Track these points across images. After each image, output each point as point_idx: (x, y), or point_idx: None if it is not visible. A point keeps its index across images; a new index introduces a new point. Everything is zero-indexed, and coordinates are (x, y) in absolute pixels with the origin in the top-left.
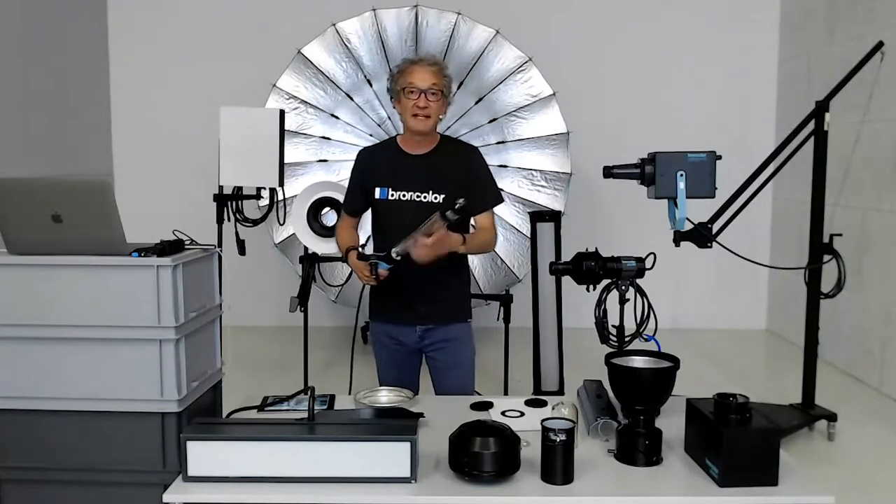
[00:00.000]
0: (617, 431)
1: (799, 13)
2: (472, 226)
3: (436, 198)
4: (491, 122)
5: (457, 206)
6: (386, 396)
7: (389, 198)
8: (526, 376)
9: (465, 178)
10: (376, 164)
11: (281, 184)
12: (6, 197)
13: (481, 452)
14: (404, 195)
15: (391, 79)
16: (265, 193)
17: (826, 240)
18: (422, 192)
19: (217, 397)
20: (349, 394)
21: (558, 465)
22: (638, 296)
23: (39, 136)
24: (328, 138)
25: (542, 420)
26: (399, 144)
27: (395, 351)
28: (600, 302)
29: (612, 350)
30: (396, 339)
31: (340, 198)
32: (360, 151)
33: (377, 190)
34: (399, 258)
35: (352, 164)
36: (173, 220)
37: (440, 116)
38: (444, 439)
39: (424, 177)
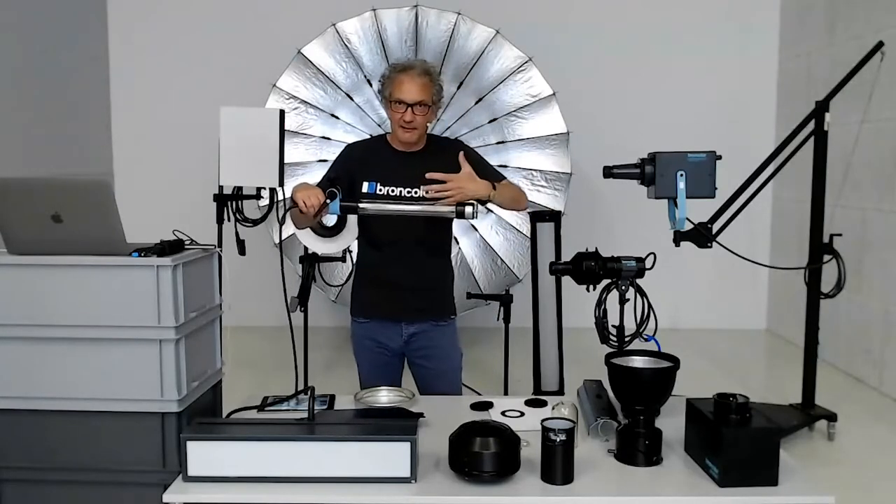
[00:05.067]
0: (617, 431)
1: (799, 13)
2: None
3: (427, 192)
4: (491, 122)
5: (466, 214)
6: (386, 396)
7: (377, 192)
8: (526, 376)
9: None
10: (365, 158)
11: (281, 184)
12: (6, 197)
13: (481, 452)
14: (393, 190)
15: (381, 82)
16: (265, 193)
17: (826, 240)
18: (412, 188)
19: (217, 397)
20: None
21: (558, 465)
22: (638, 296)
23: (39, 136)
24: (328, 138)
25: (542, 420)
26: (389, 142)
27: (377, 354)
28: (600, 302)
29: (612, 350)
30: (379, 342)
31: None
32: (348, 145)
33: (365, 184)
34: (360, 213)
35: None
36: (173, 220)
37: (428, 124)
38: (444, 439)
39: (415, 173)
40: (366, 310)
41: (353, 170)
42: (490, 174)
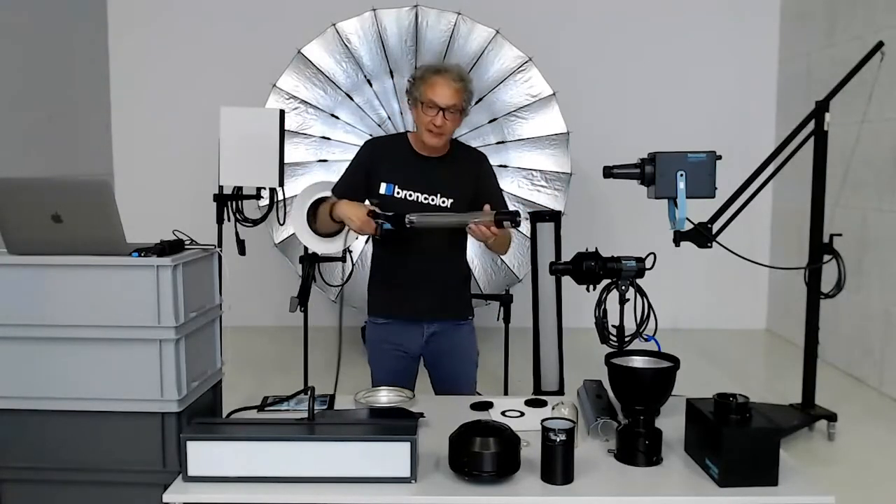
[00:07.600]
0: (617, 431)
1: (799, 13)
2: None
3: (444, 201)
4: (491, 122)
5: (508, 224)
6: (386, 396)
7: (395, 195)
8: (526, 376)
9: (476, 185)
10: (386, 158)
11: (281, 184)
12: (6, 197)
13: (481, 452)
14: (410, 195)
15: (411, 82)
16: (265, 193)
17: (826, 240)
18: (430, 195)
19: (217, 397)
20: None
21: (558, 465)
22: (638, 296)
23: (39, 136)
24: (328, 138)
25: (542, 420)
26: (411, 143)
27: (395, 358)
28: (600, 302)
29: (612, 350)
30: (397, 345)
31: None
32: (368, 141)
33: (383, 185)
34: (409, 226)
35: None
36: (173, 220)
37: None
38: (444, 439)
39: (435, 180)
40: (386, 308)
41: (372, 167)
42: (497, 200)
